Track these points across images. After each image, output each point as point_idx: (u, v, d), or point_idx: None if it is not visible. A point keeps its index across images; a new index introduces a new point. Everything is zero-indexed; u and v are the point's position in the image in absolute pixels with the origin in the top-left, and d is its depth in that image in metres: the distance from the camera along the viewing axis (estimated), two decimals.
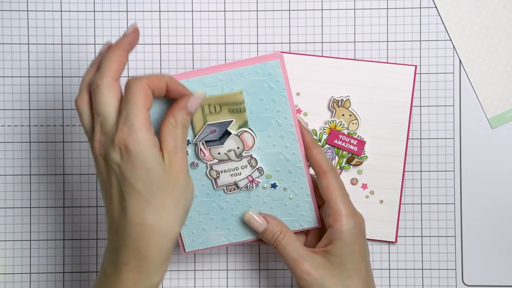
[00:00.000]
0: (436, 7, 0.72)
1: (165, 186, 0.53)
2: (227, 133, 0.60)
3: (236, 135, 0.60)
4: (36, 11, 0.72)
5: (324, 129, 0.71)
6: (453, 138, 0.72)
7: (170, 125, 0.55)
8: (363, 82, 0.71)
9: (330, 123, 0.71)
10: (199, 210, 0.62)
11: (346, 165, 0.71)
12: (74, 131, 0.73)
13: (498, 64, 0.72)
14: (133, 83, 0.53)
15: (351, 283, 0.60)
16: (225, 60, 0.72)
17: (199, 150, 0.60)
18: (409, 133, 0.71)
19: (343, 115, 0.71)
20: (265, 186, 0.62)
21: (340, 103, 0.71)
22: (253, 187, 0.62)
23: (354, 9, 0.72)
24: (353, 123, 0.71)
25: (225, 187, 0.62)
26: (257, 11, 0.73)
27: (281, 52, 0.72)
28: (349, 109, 0.71)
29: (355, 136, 0.71)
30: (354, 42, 0.72)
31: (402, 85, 0.71)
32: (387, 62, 0.72)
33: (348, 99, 0.71)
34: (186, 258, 0.73)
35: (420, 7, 0.72)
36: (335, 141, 0.71)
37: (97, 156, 0.54)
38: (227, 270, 0.73)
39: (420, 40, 0.72)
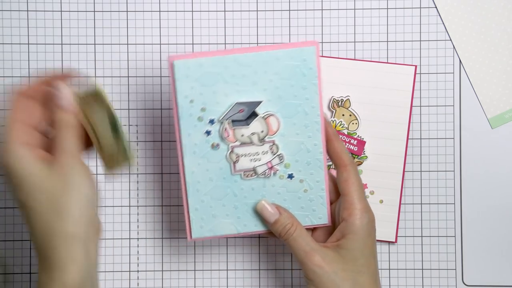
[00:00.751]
0: (436, 7, 0.72)
1: (50, 189, 0.54)
2: (254, 114, 0.60)
3: (263, 117, 0.60)
4: (36, 11, 0.72)
5: None
6: (453, 138, 0.72)
7: (57, 128, 0.56)
8: (363, 82, 0.71)
9: (330, 123, 0.71)
10: (212, 194, 0.62)
11: None
12: None
13: (498, 64, 0.72)
14: (11, 97, 0.56)
15: (362, 279, 0.60)
16: None
17: (223, 129, 0.60)
18: (409, 133, 0.71)
19: (343, 115, 0.71)
20: (282, 175, 0.62)
21: (340, 103, 0.71)
22: (270, 175, 0.62)
23: (354, 9, 0.72)
24: (353, 123, 0.71)
25: (242, 173, 0.62)
26: (257, 11, 0.73)
27: None
28: (349, 109, 0.71)
29: (355, 136, 0.71)
30: (354, 42, 0.72)
31: (402, 85, 0.71)
32: (387, 62, 0.72)
33: (348, 99, 0.71)
34: (186, 258, 0.73)
35: (420, 7, 0.72)
36: None
37: None
38: (227, 270, 0.73)
39: (420, 40, 0.72)
